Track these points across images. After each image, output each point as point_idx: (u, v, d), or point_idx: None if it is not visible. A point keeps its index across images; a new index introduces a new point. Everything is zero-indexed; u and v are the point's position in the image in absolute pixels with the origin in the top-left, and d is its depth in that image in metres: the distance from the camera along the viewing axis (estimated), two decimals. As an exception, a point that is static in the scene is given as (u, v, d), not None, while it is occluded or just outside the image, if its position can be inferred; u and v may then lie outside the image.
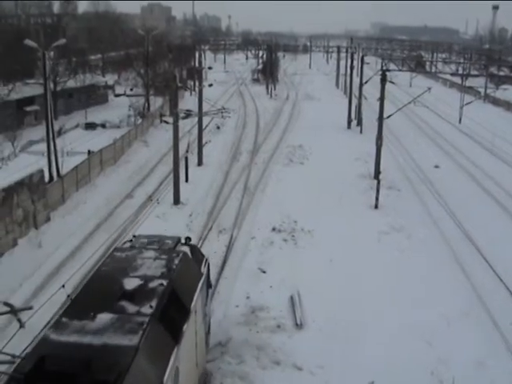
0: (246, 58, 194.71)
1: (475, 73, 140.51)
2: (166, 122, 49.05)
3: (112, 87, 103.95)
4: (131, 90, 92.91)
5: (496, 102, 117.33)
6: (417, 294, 30.75)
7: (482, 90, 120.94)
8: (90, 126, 72.30)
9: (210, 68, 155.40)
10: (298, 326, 27.23)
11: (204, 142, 57.12)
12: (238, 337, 26.01)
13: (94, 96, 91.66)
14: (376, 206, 44.48)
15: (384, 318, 27.97)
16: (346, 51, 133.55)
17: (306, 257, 35.08)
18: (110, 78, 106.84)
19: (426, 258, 35.54)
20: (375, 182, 46.16)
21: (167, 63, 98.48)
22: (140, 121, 72.67)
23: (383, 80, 50.13)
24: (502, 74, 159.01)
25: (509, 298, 30.37)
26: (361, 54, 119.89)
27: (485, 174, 56.67)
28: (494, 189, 51.80)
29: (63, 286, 18.13)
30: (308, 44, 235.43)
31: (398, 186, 50.76)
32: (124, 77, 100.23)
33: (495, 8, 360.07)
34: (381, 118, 50.16)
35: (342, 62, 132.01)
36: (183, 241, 23.66)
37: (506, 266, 33.96)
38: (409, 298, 30.24)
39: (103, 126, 73.12)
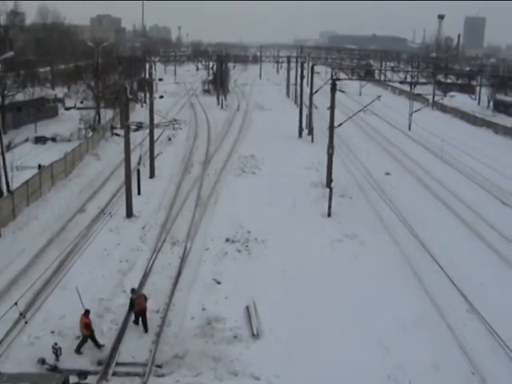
0: (197, 69, 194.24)
1: (423, 81, 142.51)
2: (117, 135, 48.91)
3: (62, 100, 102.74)
4: (81, 102, 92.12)
5: (444, 108, 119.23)
6: (372, 300, 31.06)
7: (430, 98, 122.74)
8: (40, 140, 71.35)
9: (160, 79, 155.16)
10: (255, 335, 27.25)
11: (156, 153, 56.87)
12: (195, 349, 25.95)
13: (44, 109, 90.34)
14: (329, 214, 44.79)
15: (340, 326, 28.19)
16: (296, 61, 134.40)
17: (261, 266, 35.16)
18: (59, 91, 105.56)
19: (380, 265, 35.93)
20: (327, 190, 46.55)
21: (117, 75, 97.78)
22: (91, 134, 72.00)
23: (333, 89, 50.62)
24: (448, 81, 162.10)
25: (461, 300, 30.87)
26: (311, 64, 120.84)
27: (435, 180, 57.56)
28: (444, 194, 52.65)
29: (16, 303, 17.91)
30: (258, 54, 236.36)
31: (350, 193, 51.19)
32: (74, 89, 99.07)
33: (441, 17, 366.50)
34: (331, 127, 50.59)
35: (292, 72, 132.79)
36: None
37: (458, 270, 34.56)
38: (364, 304, 30.54)
39: (53, 139, 72.22)
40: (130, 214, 43.55)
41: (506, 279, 34.96)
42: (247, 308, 29.59)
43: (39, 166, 52.75)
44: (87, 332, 25.71)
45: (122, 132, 45.42)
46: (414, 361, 25.48)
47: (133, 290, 28.64)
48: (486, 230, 43.24)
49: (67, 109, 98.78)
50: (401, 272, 35.08)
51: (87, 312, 26.14)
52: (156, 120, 54.15)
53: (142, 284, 32.00)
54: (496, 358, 26.09)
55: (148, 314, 27.87)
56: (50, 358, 24.59)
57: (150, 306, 28.52)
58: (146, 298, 28.10)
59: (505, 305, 31.26)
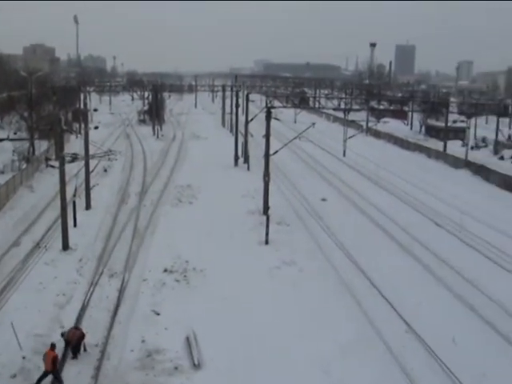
0: (132, 99, 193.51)
1: (357, 107, 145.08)
2: (52, 166, 48.30)
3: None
4: (15, 133, 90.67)
5: (377, 134, 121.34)
6: (312, 325, 31.31)
7: (363, 124, 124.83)
8: (-28, 173, 70.07)
9: (95, 110, 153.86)
10: (196, 366, 27.13)
11: (91, 185, 56.34)
12: (135, 382, 25.70)
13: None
14: (266, 242, 44.98)
15: (281, 352, 28.27)
16: (231, 89, 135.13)
17: (200, 296, 35.05)
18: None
19: (319, 290, 36.22)
20: (264, 217, 46.73)
21: (52, 105, 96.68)
22: (25, 166, 70.94)
23: (268, 117, 51.14)
24: (381, 107, 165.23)
25: (400, 322, 31.35)
26: (246, 92, 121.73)
27: (370, 204, 58.44)
28: (380, 218, 53.48)
29: None
30: (193, 83, 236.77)
31: (287, 220, 51.51)
32: (7, 120, 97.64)
33: (372, 45, 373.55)
34: (267, 155, 51.01)
35: (228, 101, 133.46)
36: None
37: (395, 292, 35.18)
38: (304, 330, 30.75)
39: (-14, 172, 71.00)
40: (66, 246, 42.95)
41: (441, 299, 35.68)
42: (187, 338, 29.46)
43: (-29, 200, 51.71)
44: (54, 367, 25.25)
45: (56, 163, 44.89)
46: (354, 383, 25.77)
47: (62, 335, 28.09)
48: (422, 252, 44.12)
49: (0, 140, 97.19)
50: (340, 297, 35.45)
51: (53, 346, 25.74)
52: (91, 151, 53.73)
53: (79, 318, 31.54)
54: (435, 376, 26.55)
55: (87, 348, 27.56)
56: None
57: (89, 339, 28.15)
58: (78, 330, 27.78)
59: (441, 324, 31.92)
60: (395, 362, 27.80)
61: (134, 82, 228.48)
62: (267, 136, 51.51)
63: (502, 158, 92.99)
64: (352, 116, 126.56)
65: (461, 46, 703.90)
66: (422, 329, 30.49)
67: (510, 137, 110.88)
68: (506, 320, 32.74)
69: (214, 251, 42.60)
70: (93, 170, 57.46)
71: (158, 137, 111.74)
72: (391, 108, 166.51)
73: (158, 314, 32.55)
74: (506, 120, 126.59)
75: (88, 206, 54.76)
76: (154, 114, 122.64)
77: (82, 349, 27.62)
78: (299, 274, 39.07)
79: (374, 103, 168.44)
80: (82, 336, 27.64)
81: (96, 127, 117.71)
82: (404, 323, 31.24)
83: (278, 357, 27.90)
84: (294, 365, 27.27)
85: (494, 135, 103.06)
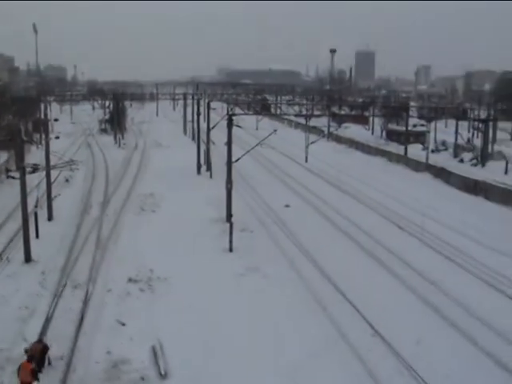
0: (93, 109, 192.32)
1: (318, 113, 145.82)
2: (13, 177, 47.74)
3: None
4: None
5: (339, 139, 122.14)
6: (278, 331, 31.38)
7: (325, 129, 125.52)
8: None
9: (56, 120, 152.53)
10: (162, 375, 27.05)
11: (53, 195, 55.88)
12: (101, 393, 25.55)
13: None
14: (230, 249, 45.00)
15: (248, 359, 28.31)
16: (192, 97, 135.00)
17: (165, 305, 34.93)
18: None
19: (283, 296, 36.34)
20: (228, 225, 46.77)
21: (11, 116, 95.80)
22: (-16, 178, 70.19)
23: (230, 124, 51.23)
24: (343, 113, 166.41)
25: (366, 326, 31.62)
26: (207, 100, 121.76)
27: (333, 209, 58.77)
28: (343, 222, 53.86)
29: None
30: (154, 92, 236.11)
31: (250, 227, 51.59)
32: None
33: (333, 51, 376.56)
34: (229, 162, 51.09)
35: (189, 109, 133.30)
36: None
37: (360, 296, 35.52)
38: (271, 336, 30.82)
39: None
40: (28, 258, 42.49)
41: (405, 301, 36.05)
42: (153, 348, 29.36)
43: None
44: (34, 378, 24.99)
45: (17, 174, 44.35)
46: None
47: (26, 351, 27.73)
48: (385, 255, 44.52)
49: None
50: (304, 302, 35.60)
51: (30, 358, 25.52)
52: (52, 161, 53.32)
53: (43, 330, 31.23)
54: (403, 379, 26.78)
55: (52, 361, 27.32)
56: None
57: (54, 352, 27.89)
58: (41, 343, 27.49)
59: (406, 326, 32.25)
60: (362, 365, 27.98)
61: (94, 91, 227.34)
62: (229, 143, 51.60)
63: (461, 160, 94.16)
64: (314, 122, 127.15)
65: (419, 52, 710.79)
66: (388, 331, 30.80)
67: (469, 140, 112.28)
68: (468, 320, 33.18)
69: (178, 259, 42.49)
70: (54, 181, 56.92)
71: (119, 146, 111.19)
72: (352, 113, 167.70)
73: (124, 325, 32.38)
74: (465, 123, 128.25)
75: (50, 217, 54.28)
76: (116, 122, 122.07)
77: (46, 362, 27.35)
78: (264, 280, 39.14)
79: (335, 109, 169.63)
80: (46, 349, 27.37)
81: (57, 137, 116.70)
82: (370, 327, 31.54)
83: (246, 365, 27.93)
84: (261, 373, 27.31)
85: (453, 138, 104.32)
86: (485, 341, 30.56)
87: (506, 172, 79.08)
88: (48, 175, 54.13)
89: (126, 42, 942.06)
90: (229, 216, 50.24)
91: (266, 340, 30.46)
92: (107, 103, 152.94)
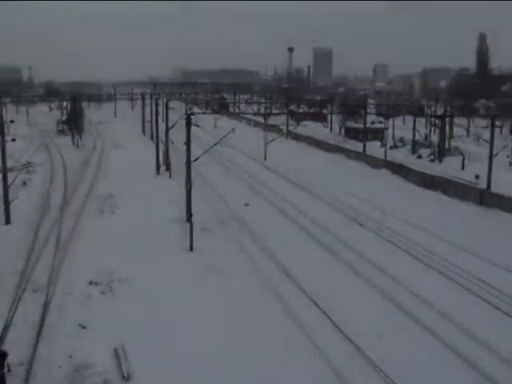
0: (50, 110, 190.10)
1: (276, 111, 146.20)
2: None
3: None
4: None
5: (298, 137, 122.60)
6: (240, 331, 31.35)
7: (284, 128, 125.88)
8: None
9: (12, 122, 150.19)
10: (126, 378, 26.85)
11: (10, 199, 55.18)
12: (63, 398, 25.29)
13: None
14: (191, 249, 44.91)
15: (211, 360, 28.24)
16: (151, 97, 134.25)
17: (127, 307, 34.67)
18: None
19: (244, 295, 36.35)
20: (188, 224, 46.63)
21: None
22: None
23: (188, 124, 51.07)
24: (301, 111, 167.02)
25: (327, 322, 31.79)
26: (165, 100, 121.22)
27: (293, 207, 59.00)
28: (302, 220, 54.13)
29: None
30: (112, 92, 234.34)
31: (210, 226, 51.51)
32: None
33: (290, 50, 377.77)
34: (188, 162, 50.94)
35: (147, 109, 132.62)
36: None
37: (321, 291, 35.69)
38: (231, 336, 30.77)
39: None
40: (-14, 263, 41.94)
41: (366, 296, 36.32)
42: (116, 351, 29.13)
43: None
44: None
45: (-28, 179, 43.82)
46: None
47: None
48: (346, 252, 44.83)
49: None
50: (266, 301, 35.63)
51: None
52: (9, 164, 52.67)
53: (2, 337, 30.78)
54: (366, 375, 26.97)
55: (11, 368, 26.91)
56: None
57: (13, 358, 27.46)
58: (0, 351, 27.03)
59: (368, 321, 32.48)
60: (326, 364, 28.06)
61: (51, 92, 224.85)
62: (188, 143, 51.46)
63: (419, 156, 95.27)
64: (272, 120, 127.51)
65: (377, 51, 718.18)
66: (350, 328, 30.97)
67: (426, 136, 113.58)
68: (429, 314, 33.57)
69: (139, 260, 42.25)
70: (11, 184, 56.24)
71: (77, 147, 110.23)
72: (311, 111, 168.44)
73: (85, 328, 32.09)
74: (423, 120, 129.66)
75: (8, 221, 53.56)
76: (73, 124, 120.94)
77: (5, 369, 26.90)
78: (224, 279, 39.10)
79: (293, 107, 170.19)
80: (5, 355, 26.90)
81: (13, 139, 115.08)
82: (332, 324, 31.71)
83: (209, 366, 27.86)
84: (224, 375, 27.26)
85: (411, 135, 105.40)
86: (446, 334, 30.99)
87: (462, 167, 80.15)
88: (4, 178, 53.45)
89: (83, 43, 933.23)
90: (189, 215, 50.10)
91: (226, 340, 30.41)
92: (64, 104, 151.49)
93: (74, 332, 31.55)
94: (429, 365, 28.07)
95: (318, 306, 33.78)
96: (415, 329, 31.98)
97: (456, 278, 39.66)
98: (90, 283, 38.41)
